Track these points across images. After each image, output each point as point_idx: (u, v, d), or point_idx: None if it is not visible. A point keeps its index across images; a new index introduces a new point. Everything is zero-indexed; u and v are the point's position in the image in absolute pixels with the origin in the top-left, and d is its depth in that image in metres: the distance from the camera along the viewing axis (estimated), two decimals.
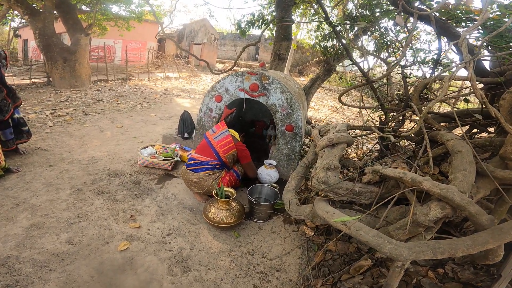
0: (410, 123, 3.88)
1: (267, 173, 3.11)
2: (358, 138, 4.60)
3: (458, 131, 2.46)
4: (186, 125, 3.88)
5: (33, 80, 7.54)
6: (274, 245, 2.33)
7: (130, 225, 2.42)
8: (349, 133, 2.61)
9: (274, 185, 3.02)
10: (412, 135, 2.56)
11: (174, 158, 3.38)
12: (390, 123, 2.94)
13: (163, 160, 3.30)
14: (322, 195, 1.94)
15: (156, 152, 3.47)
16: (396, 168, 1.82)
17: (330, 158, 2.02)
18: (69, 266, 1.94)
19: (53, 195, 2.74)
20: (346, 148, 2.33)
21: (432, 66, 2.95)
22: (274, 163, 3.19)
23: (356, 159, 3.67)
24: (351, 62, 2.97)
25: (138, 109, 6.22)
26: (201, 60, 5.47)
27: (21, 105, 3.36)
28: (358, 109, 3.34)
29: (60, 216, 2.44)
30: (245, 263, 2.14)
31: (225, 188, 2.52)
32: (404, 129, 2.98)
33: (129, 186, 3.02)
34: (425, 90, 2.61)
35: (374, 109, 3.07)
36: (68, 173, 3.19)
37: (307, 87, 6.48)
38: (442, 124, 2.44)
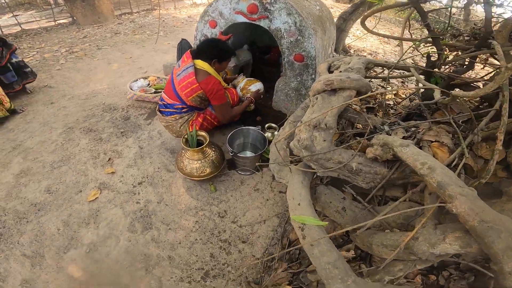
0: (483, 68, 2.72)
1: None
2: (383, 82, 3.51)
3: None
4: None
5: (58, 21, 7.40)
6: (250, 208, 1.98)
7: (105, 170, 2.27)
8: (365, 74, 1.83)
9: (274, 125, 2.43)
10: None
11: None
12: (444, 66, 1.98)
13: (152, 93, 2.94)
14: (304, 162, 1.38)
15: (149, 84, 3.11)
16: (431, 141, 1.13)
17: (322, 111, 1.37)
18: (43, 218, 1.91)
19: (45, 136, 2.67)
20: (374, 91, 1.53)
21: None
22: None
23: (391, 104, 2.80)
24: None
25: (153, 38, 5.74)
26: None
27: (17, 50, 3.30)
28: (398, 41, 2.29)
29: (46, 160, 2.39)
30: (210, 227, 1.86)
31: (199, 132, 2.02)
32: (472, 78, 1.94)
33: (117, 123, 2.82)
34: None
35: (421, 42, 2.01)
36: (64, 110, 3.09)
37: (347, 12, 5.26)
38: None
